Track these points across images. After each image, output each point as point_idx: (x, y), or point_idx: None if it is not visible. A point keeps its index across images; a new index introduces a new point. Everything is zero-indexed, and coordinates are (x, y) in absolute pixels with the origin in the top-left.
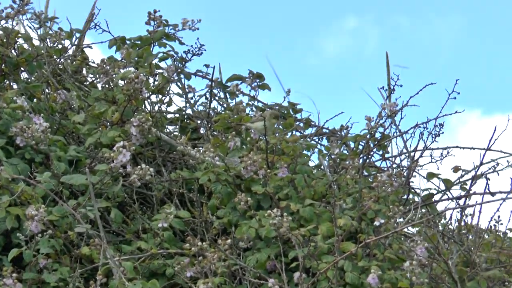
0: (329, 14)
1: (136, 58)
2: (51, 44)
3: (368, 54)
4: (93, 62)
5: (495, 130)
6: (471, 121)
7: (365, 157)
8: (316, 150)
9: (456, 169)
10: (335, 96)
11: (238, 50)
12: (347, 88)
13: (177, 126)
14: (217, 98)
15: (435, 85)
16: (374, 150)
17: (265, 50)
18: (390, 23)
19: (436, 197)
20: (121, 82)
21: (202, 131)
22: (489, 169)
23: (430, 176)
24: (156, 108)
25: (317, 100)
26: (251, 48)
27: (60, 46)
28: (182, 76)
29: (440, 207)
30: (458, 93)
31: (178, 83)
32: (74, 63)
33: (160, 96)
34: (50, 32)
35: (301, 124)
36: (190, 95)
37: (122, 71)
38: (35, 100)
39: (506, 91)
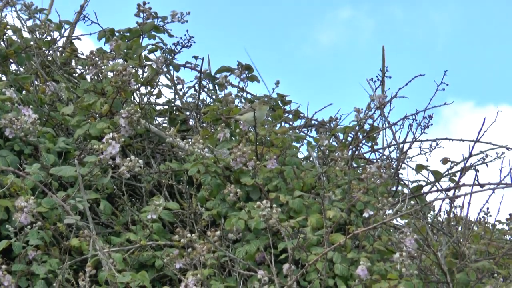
0: (324, 4)
1: (125, 50)
2: (40, 36)
3: (363, 45)
4: (82, 54)
5: (484, 122)
6: (464, 112)
7: (354, 149)
8: (305, 141)
9: (445, 160)
10: (329, 87)
11: (231, 41)
12: (341, 79)
13: (166, 118)
14: (206, 89)
15: (426, 77)
16: (363, 141)
17: (258, 41)
18: (385, 14)
19: (425, 189)
20: (110, 74)
21: (191, 122)
22: (478, 160)
23: (419, 167)
24: (145, 99)
25: (311, 91)
26: (244, 40)
27: (49, 38)
28: (171, 67)
29: (429, 198)
30: (447, 85)
31: (167, 75)
32: (63, 54)
33: (149, 87)
34: (39, 23)
35: (290, 116)
36: (179, 86)
37: (111, 63)
38: (24, 91)
39: (499, 82)
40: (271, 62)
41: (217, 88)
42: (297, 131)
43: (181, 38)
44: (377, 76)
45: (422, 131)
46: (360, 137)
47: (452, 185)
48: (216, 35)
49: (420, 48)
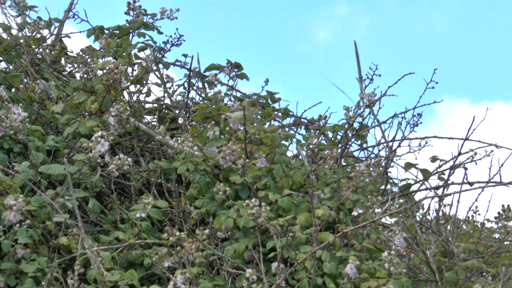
0: (320, 1)
1: (115, 48)
2: (30, 34)
3: (359, 42)
4: (72, 52)
5: (473, 120)
6: (459, 110)
7: (343, 147)
8: (294, 140)
9: (434, 159)
10: (324, 84)
11: (224, 39)
12: (336, 76)
13: (155, 116)
14: (195, 88)
15: (418, 75)
16: (352, 140)
17: (256, 37)
18: (381, 11)
19: (414, 187)
20: (99, 72)
21: (180, 121)
22: (467, 159)
23: (408, 166)
24: (135, 98)
25: (305, 88)
26: (239, 37)
27: (38, 36)
28: (160, 66)
29: (418, 197)
30: (437, 83)
31: (157, 73)
32: (52, 52)
33: (138, 86)
34: (29, 21)
35: (280, 114)
36: (168, 85)
37: (100, 61)
38: (13, 89)
39: (494, 80)
40: (266, 59)
41: (206, 86)
42: (287, 129)
43: (170, 36)
44: (366, 74)
45: (412, 129)
46: (349, 135)
47: (441, 183)
48: (207, 32)
49: (416, 45)
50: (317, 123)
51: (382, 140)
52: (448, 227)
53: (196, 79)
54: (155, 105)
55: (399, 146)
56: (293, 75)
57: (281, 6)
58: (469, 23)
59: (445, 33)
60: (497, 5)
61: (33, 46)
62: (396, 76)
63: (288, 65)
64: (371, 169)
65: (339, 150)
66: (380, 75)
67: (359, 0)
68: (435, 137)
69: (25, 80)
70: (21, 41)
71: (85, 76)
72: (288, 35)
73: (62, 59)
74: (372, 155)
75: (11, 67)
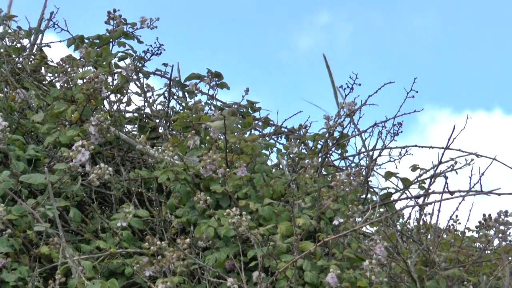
0: (302, 9)
1: (95, 57)
2: (10, 43)
3: (341, 50)
4: (52, 61)
5: (454, 129)
6: (442, 119)
7: (323, 156)
8: (275, 149)
9: (414, 168)
10: (306, 92)
11: (205, 47)
12: (319, 85)
13: (136, 125)
14: (175, 97)
15: (399, 84)
16: (333, 149)
17: (238, 45)
18: (363, 19)
19: (395, 196)
20: (80, 81)
21: (160, 130)
22: (448, 168)
23: (389, 175)
24: (115, 107)
25: (287, 97)
26: (220, 45)
27: (19, 45)
28: (140, 75)
29: (398, 206)
30: (417, 92)
31: (137, 82)
32: (33, 62)
33: (119, 95)
34: (9, 30)
35: (260, 123)
36: (148, 94)
37: (81, 70)
38: None
39: (477, 89)
40: (248, 68)
41: (187, 95)
42: (267, 138)
43: (151, 45)
44: (346, 83)
45: (392, 138)
46: (330, 144)
47: (421, 192)
48: (187, 41)
49: (399, 54)
50: (297, 132)
51: (363, 149)
52: (429, 236)
53: (177, 88)
54: (136, 114)
55: (379, 155)
56: (274, 84)
57: (262, 15)
58: (451, 33)
59: (427, 42)
60: (481, 15)
61: (13, 56)
62: (379, 85)
63: (270, 74)
64: (351, 178)
65: (320, 159)
66: (360, 84)
67: (341, 8)
68: (415, 146)
69: (5, 89)
70: (1, 50)
71: (66, 85)
72: (270, 44)
73: (43, 68)
74: (353, 164)
75: None
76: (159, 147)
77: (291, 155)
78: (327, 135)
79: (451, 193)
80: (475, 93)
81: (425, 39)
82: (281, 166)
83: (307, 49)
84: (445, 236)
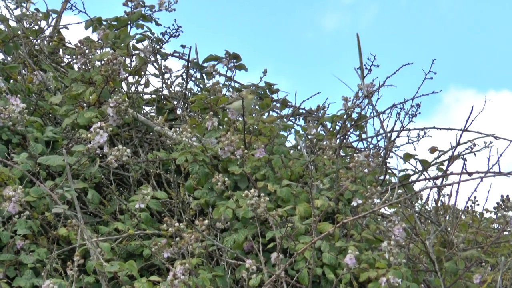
0: None
1: (113, 39)
2: (28, 25)
3: (365, 31)
4: (70, 43)
5: (472, 110)
6: (466, 99)
7: (342, 138)
8: (293, 130)
9: (433, 149)
10: (330, 73)
11: (226, 29)
12: (343, 65)
13: (154, 107)
14: (193, 78)
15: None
16: (351, 130)
17: (259, 26)
18: (388, 0)
19: (413, 178)
20: (98, 63)
21: (178, 111)
22: (466, 149)
23: (407, 156)
24: (133, 89)
25: (311, 77)
26: (245, 26)
27: (36, 27)
28: (158, 57)
29: (417, 187)
30: (435, 73)
31: (155, 64)
32: (50, 44)
33: (137, 77)
34: (27, 13)
35: (278, 105)
36: (166, 75)
37: (99, 52)
38: (11, 81)
39: (501, 68)
40: (271, 48)
41: (204, 77)
42: (285, 120)
43: (169, 27)
44: (365, 65)
45: (410, 119)
46: (348, 126)
47: (440, 173)
48: (205, 23)
49: (425, 34)
50: (315, 113)
51: (381, 131)
52: (447, 217)
53: (194, 70)
54: (154, 96)
55: (398, 136)
56: (298, 64)
57: None
58: (477, 12)
59: (453, 22)
60: None
61: (31, 38)
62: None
63: (294, 54)
64: (370, 159)
65: (338, 141)
66: (378, 66)
67: None
68: (434, 127)
69: (23, 71)
70: (19, 32)
71: (84, 67)
72: (295, 24)
73: (60, 50)
74: (371, 146)
75: (9, 58)
76: (177, 129)
77: (309, 137)
78: (345, 116)
79: (469, 174)
80: (499, 73)
81: (450, 20)
82: (299, 148)
83: (332, 29)
84: (463, 217)
